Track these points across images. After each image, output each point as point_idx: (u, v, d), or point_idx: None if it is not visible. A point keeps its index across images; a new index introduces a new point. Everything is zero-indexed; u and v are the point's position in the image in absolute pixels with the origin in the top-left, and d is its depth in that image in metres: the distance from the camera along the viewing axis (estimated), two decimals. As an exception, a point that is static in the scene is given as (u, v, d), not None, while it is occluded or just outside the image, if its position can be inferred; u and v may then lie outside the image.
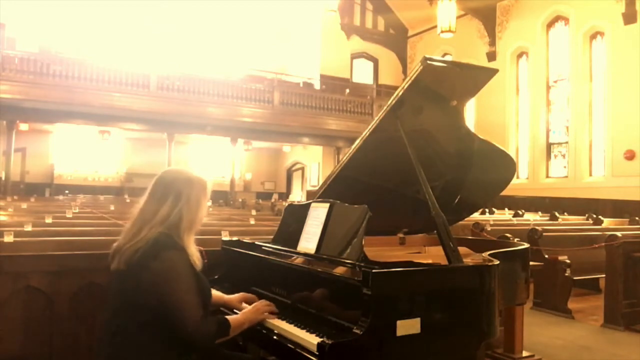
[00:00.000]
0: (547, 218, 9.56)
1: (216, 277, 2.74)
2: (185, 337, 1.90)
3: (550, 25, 14.76)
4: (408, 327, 1.86)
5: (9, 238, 3.31)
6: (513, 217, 9.99)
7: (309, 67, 19.21)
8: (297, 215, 2.62)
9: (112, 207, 8.83)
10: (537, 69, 14.92)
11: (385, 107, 2.49)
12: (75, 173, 19.24)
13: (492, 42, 16.09)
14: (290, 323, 2.05)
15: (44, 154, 18.40)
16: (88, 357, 2.80)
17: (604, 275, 5.19)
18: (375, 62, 20.46)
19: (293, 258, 2.42)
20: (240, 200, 14.87)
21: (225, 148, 18.29)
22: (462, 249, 2.65)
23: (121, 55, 16.61)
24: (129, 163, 19.48)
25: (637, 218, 8.92)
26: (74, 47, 16.73)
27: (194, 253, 2.02)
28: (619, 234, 5.13)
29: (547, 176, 14.66)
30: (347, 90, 17.95)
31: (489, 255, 2.45)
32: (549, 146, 14.75)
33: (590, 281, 6.27)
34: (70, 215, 6.39)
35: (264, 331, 2.09)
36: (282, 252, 2.51)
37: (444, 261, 2.25)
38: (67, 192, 16.77)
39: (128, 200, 12.56)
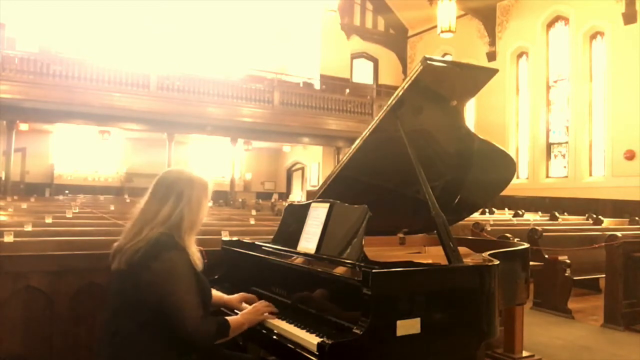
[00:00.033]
0: (547, 218, 9.56)
1: (216, 277, 2.74)
2: (185, 337, 1.90)
3: (550, 25, 14.76)
4: (408, 327, 1.86)
5: (9, 238, 3.31)
6: (513, 217, 9.99)
7: (309, 67, 19.21)
8: (297, 215, 2.62)
9: (112, 207, 8.83)
10: (537, 69, 14.92)
11: (385, 107, 2.49)
12: (75, 173, 19.24)
13: (492, 42, 16.09)
14: (290, 323, 2.05)
15: (44, 154, 18.40)
16: (88, 357, 2.80)
17: (604, 275, 5.19)
18: (375, 62, 20.46)
19: (293, 258, 2.42)
20: (240, 200, 14.87)
21: (225, 148, 18.29)
22: (462, 249, 2.65)
23: (121, 55, 16.61)
24: (129, 163, 19.48)
25: (637, 218, 8.92)
26: (74, 47, 16.73)
27: (195, 253, 2.03)
28: (619, 234, 5.13)
29: (547, 176, 14.66)
30: (347, 90, 17.95)
31: (489, 255, 2.45)
32: (549, 146, 14.75)
33: (590, 281, 6.27)
34: (70, 215, 6.39)
35: (264, 331, 2.09)
36: (282, 252, 2.51)
37: (444, 261, 2.25)
38: (67, 192, 16.77)
39: (128, 200, 12.56)
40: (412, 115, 2.55)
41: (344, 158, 2.75)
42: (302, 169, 21.46)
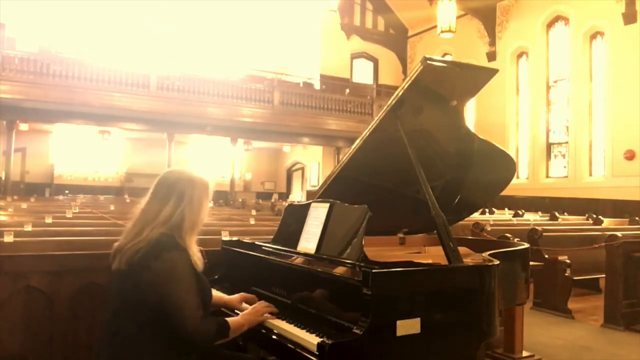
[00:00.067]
0: (547, 218, 9.56)
1: (216, 277, 2.74)
2: (185, 338, 1.90)
3: (550, 25, 14.76)
4: (408, 327, 1.86)
5: (9, 238, 3.31)
6: (513, 217, 9.99)
7: (309, 67, 19.21)
8: (297, 215, 2.62)
9: (112, 207, 8.83)
10: (537, 69, 14.92)
11: (385, 107, 2.49)
12: (75, 173, 19.24)
13: (492, 42, 16.09)
14: (290, 323, 2.05)
15: (44, 154, 18.40)
16: (88, 357, 2.80)
17: (604, 275, 5.19)
18: (375, 62, 20.46)
19: (293, 258, 2.42)
20: (240, 200, 14.87)
21: (225, 148, 18.29)
22: (462, 249, 2.65)
23: (121, 55, 16.61)
24: (129, 163, 19.48)
25: (637, 218, 8.92)
26: (74, 47, 16.73)
27: (196, 253, 2.03)
28: (619, 234, 5.13)
29: (547, 176, 14.66)
30: (347, 90, 17.95)
31: (489, 255, 2.45)
32: (549, 146, 14.75)
33: (590, 281, 6.27)
34: (70, 215, 6.39)
35: (264, 331, 2.09)
36: (282, 252, 2.51)
37: (444, 261, 2.25)
38: (67, 192, 16.76)
39: (128, 200, 12.56)
40: (412, 115, 2.55)
41: (344, 158, 2.75)
42: (302, 169, 21.46)
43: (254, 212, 9.28)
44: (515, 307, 3.59)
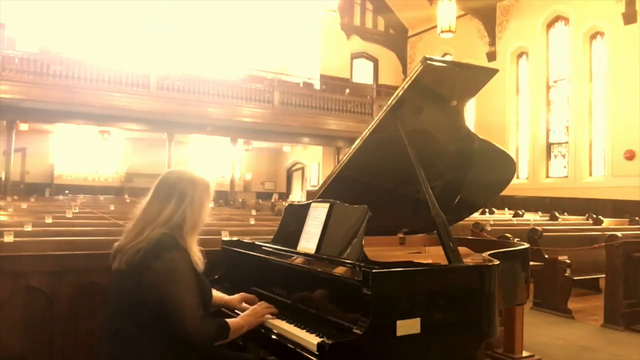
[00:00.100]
0: (547, 218, 9.56)
1: (216, 277, 2.74)
2: (185, 338, 1.90)
3: (550, 25, 14.76)
4: (408, 327, 1.86)
5: (9, 238, 3.32)
6: (513, 217, 9.99)
7: (309, 67, 19.21)
8: (297, 215, 2.62)
9: (112, 207, 8.83)
10: (537, 69, 14.92)
11: (385, 107, 2.49)
12: (75, 173, 19.23)
13: (492, 42, 16.09)
14: (290, 323, 2.05)
15: (44, 154, 18.40)
16: (88, 357, 2.80)
17: (604, 275, 5.19)
18: (375, 62, 20.46)
19: (293, 258, 2.42)
20: (240, 200, 14.87)
21: (225, 148, 18.29)
22: (462, 249, 2.65)
23: (121, 55, 16.61)
24: (129, 163, 19.48)
25: (637, 218, 8.92)
26: (74, 47, 16.73)
27: (196, 254, 2.03)
28: (619, 234, 5.13)
29: (547, 176, 14.66)
30: (347, 90, 17.95)
31: (489, 255, 2.45)
32: (549, 146, 14.75)
33: (590, 281, 6.27)
34: (70, 215, 6.39)
35: (264, 331, 2.09)
36: (282, 252, 2.51)
37: (444, 261, 2.25)
38: (67, 192, 16.76)
39: (128, 200, 12.56)
40: (412, 115, 2.55)
41: (344, 158, 2.75)
42: (302, 169, 21.46)
43: (254, 212, 9.28)
44: (515, 307, 3.59)
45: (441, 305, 1.99)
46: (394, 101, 2.44)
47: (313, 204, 2.53)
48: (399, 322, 1.84)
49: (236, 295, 2.37)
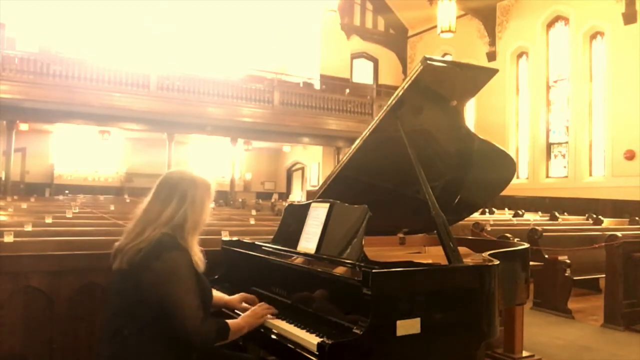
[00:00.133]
0: (547, 218, 9.56)
1: (216, 277, 2.74)
2: (185, 338, 1.90)
3: (550, 25, 14.76)
4: (408, 327, 1.86)
5: (9, 238, 3.32)
6: (513, 217, 9.99)
7: (309, 67, 19.22)
8: (297, 215, 2.62)
9: (112, 207, 8.83)
10: (537, 69, 14.92)
11: (385, 107, 2.49)
12: (75, 173, 19.24)
13: (492, 42, 16.09)
14: (290, 323, 2.05)
15: (44, 154, 18.40)
16: (88, 357, 2.80)
17: (604, 275, 5.19)
18: (375, 62, 20.46)
19: (293, 258, 2.42)
20: (240, 200, 14.86)
21: (225, 148, 18.29)
22: (462, 249, 2.65)
23: (121, 55, 16.61)
24: (129, 163, 19.48)
25: (637, 218, 8.92)
26: (74, 47, 16.73)
27: (197, 254, 2.03)
28: (619, 234, 5.13)
29: (547, 176, 14.66)
30: (347, 90, 17.95)
31: (489, 255, 2.45)
32: (549, 146, 14.75)
33: (590, 281, 6.27)
34: (70, 215, 6.39)
35: (264, 331, 2.09)
36: (282, 252, 2.51)
37: (444, 261, 2.25)
38: (67, 192, 16.76)
39: (128, 200, 12.56)
40: (412, 115, 2.55)
41: (344, 158, 2.75)
42: (302, 169, 21.46)
43: (254, 212, 9.28)
44: (515, 307, 3.59)
45: (441, 305, 2.00)
46: (394, 101, 2.44)
47: (313, 204, 2.53)
48: (399, 322, 1.84)
49: (236, 296, 2.37)
